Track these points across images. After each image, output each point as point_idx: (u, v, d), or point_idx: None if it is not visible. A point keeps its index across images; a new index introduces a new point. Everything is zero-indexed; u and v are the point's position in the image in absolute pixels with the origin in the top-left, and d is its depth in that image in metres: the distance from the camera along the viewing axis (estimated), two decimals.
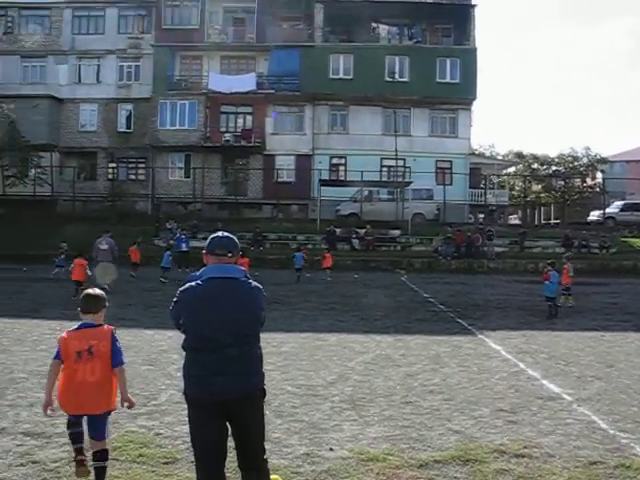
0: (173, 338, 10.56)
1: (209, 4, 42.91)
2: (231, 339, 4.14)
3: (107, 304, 5.15)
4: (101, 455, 4.95)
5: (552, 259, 18.89)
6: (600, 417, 7.39)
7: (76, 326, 4.98)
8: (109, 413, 4.97)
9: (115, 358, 4.91)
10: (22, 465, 5.41)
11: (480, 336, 13.20)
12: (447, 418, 7.27)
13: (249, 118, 43.19)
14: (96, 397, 4.80)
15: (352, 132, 42.48)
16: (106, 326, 5.01)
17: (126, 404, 4.96)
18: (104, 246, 21.30)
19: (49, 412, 4.89)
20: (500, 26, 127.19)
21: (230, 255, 4.33)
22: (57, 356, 4.88)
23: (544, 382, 9.14)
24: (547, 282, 16.64)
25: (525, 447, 6.27)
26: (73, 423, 4.95)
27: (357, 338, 12.59)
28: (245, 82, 41.77)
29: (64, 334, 4.95)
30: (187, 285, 4.27)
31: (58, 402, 4.90)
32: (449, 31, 44.23)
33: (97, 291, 5.19)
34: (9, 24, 44.89)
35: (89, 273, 18.95)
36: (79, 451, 4.90)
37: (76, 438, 4.95)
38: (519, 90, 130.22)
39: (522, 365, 10.29)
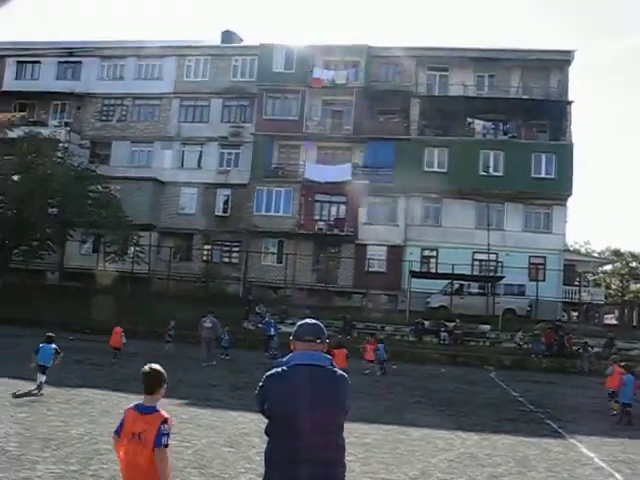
0: (255, 421, 10.59)
1: (309, 97, 44.52)
2: (314, 427, 4.11)
3: (166, 380, 5.10)
4: None
5: (626, 362, 17.97)
6: None
7: (138, 403, 5.02)
8: None
9: (156, 440, 4.85)
10: None
11: (571, 440, 12.60)
12: None
13: (343, 207, 43.87)
14: (143, 477, 4.84)
15: (444, 225, 42.41)
16: (161, 412, 4.95)
17: None
18: (208, 324, 24.04)
19: None
20: (598, 120, 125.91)
21: (319, 341, 4.38)
22: (118, 431, 4.99)
23: None
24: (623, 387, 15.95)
25: None
26: None
27: (442, 434, 12.26)
28: (341, 172, 42.66)
29: (128, 408, 5.03)
30: (273, 370, 4.31)
31: None
32: (544, 127, 44.13)
33: (154, 368, 5.10)
34: (123, 112, 48.01)
35: (124, 341, 21.25)
36: None
37: None
38: (617, 186, 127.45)
39: (618, 476, 9.72)
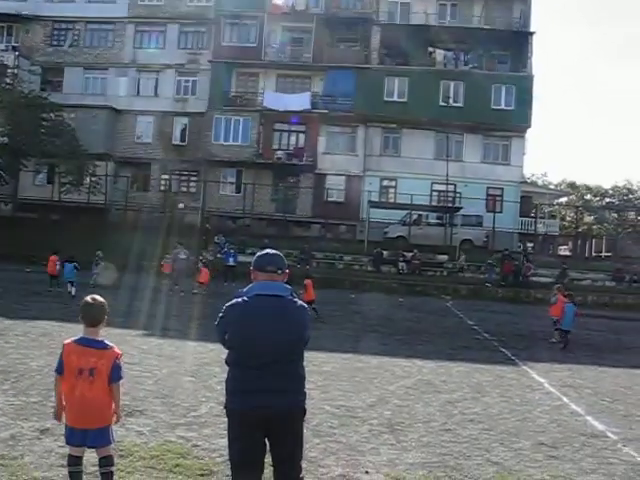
0: (215, 351, 10.66)
1: (268, 23, 43.48)
2: (275, 356, 4.17)
3: (108, 312, 5.05)
4: (106, 461, 5.02)
5: (569, 292, 18.61)
6: None
7: (78, 338, 4.93)
8: (109, 426, 5.00)
9: (113, 376, 4.88)
10: (63, 466, 5.49)
11: (524, 367, 13.00)
12: (486, 448, 7.17)
13: (302, 136, 43.50)
14: (94, 412, 4.85)
15: (404, 155, 42.40)
16: (115, 349, 4.94)
17: (115, 419, 5.04)
18: (183, 256, 24.73)
19: (63, 419, 5.05)
20: (558, 54, 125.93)
21: (280, 272, 4.38)
22: (59, 370, 4.92)
23: (588, 418, 8.95)
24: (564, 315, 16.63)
25: None
26: (73, 461, 5.00)
27: (399, 362, 12.52)
28: (300, 101, 42.13)
29: (67, 343, 4.95)
30: (234, 301, 4.31)
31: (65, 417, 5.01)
32: (506, 58, 43.98)
33: (98, 300, 5.02)
34: (75, 37, 46.28)
35: (58, 267, 21.66)
36: None
37: (75, 478, 5.01)
38: (575, 119, 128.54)
39: (565, 399, 10.10)
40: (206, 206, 42.11)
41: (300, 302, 4.38)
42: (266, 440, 4.24)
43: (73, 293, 19.99)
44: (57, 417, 5.10)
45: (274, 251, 4.52)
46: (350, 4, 44.04)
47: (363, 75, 42.13)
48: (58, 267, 21.63)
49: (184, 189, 45.34)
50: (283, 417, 4.18)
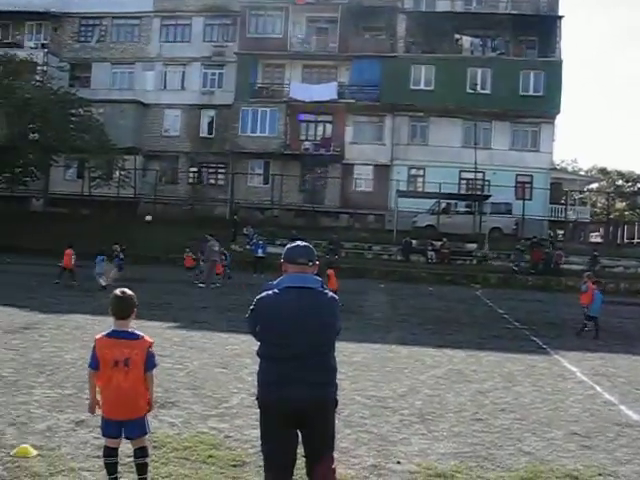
0: (246, 342, 10.70)
1: (293, 14, 43.45)
2: (306, 348, 4.18)
3: (137, 304, 5.08)
4: (141, 452, 5.06)
5: (598, 279, 18.46)
6: None
7: (109, 331, 4.98)
8: (144, 416, 5.05)
9: (148, 364, 4.95)
10: (98, 457, 5.55)
11: (555, 356, 12.88)
12: (518, 438, 7.13)
13: (329, 127, 43.47)
14: (130, 403, 4.91)
15: (431, 143, 42.16)
16: (146, 338, 4.99)
17: (147, 408, 5.09)
18: (216, 247, 24.30)
19: (98, 411, 5.10)
20: (587, 37, 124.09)
21: (311, 264, 4.40)
22: (93, 365, 4.95)
23: (622, 407, 8.84)
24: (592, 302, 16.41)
25: (600, 474, 6.06)
26: (109, 453, 5.05)
27: (429, 352, 12.49)
28: (326, 91, 42.05)
29: (99, 338, 4.99)
30: (264, 293, 4.33)
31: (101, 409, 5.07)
32: (533, 43, 43.45)
33: (127, 293, 5.06)
34: (102, 33, 46.68)
35: (73, 262, 21.85)
36: None
37: (111, 468, 5.06)
38: (605, 103, 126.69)
39: (598, 388, 9.99)
40: (234, 198, 42.31)
41: (331, 294, 4.39)
42: (298, 432, 4.27)
43: (104, 284, 20.36)
44: (91, 410, 5.18)
45: (304, 243, 4.53)
46: None
47: (389, 64, 41.89)
48: (74, 261, 21.88)
49: (212, 181, 45.61)
50: (316, 408, 4.19)
